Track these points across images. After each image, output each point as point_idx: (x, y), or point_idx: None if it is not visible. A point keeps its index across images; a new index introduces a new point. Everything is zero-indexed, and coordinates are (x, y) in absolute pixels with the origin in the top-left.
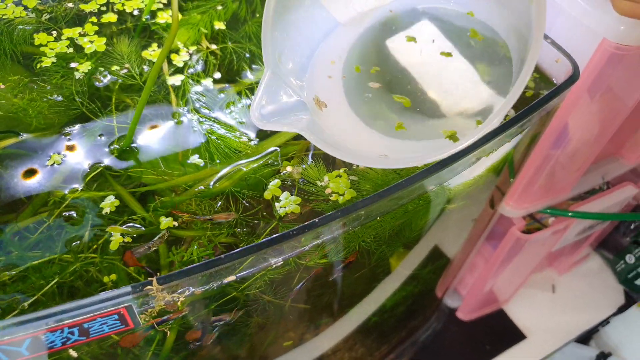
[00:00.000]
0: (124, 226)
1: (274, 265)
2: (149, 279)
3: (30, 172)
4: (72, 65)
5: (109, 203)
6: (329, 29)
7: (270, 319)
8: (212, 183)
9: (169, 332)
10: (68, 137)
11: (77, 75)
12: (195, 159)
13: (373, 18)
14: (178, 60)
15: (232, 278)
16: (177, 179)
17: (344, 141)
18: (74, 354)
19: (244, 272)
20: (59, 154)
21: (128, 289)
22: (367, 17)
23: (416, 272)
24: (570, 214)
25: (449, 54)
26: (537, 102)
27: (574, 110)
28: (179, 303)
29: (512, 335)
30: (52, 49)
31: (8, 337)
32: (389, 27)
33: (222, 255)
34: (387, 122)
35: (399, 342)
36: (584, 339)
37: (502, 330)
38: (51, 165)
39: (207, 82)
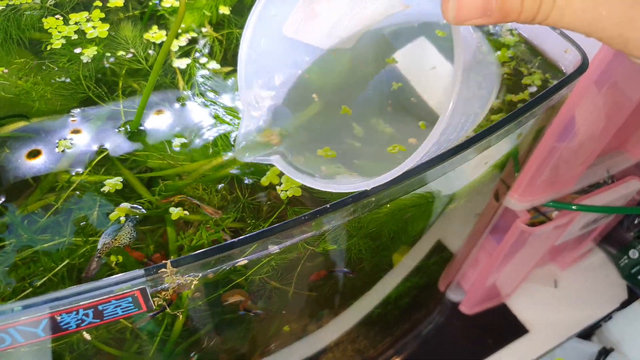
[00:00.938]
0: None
1: (280, 250)
2: (163, 261)
3: (37, 155)
4: (78, 50)
5: (112, 183)
6: (310, 54)
7: (274, 308)
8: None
9: (180, 316)
10: (74, 120)
11: (84, 59)
12: (197, 142)
13: (359, 41)
14: (183, 42)
15: (244, 262)
16: (183, 166)
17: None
18: (87, 336)
19: (254, 255)
20: (65, 139)
21: (141, 271)
22: (352, 41)
23: (419, 265)
24: (574, 207)
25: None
26: (546, 91)
27: (581, 102)
28: (192, 286)
29: (515, 329)
30: (60, 32)
31: (25, 318)
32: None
33: (236, 239)
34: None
35: (402, 335)
36: (586, 334)
37: (504, 324)
38: (59, 149)
39: (213, 66)
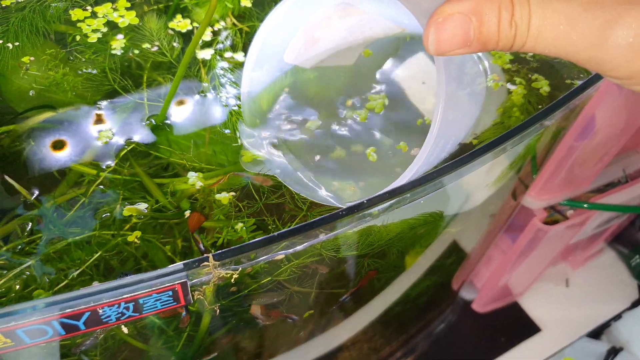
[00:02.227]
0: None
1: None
2: (205, 255)
3: (63, 147)
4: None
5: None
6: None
7: (295, 307)
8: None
9: (217, 311)
10: (100, 113)
11: (115, 51)
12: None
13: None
14: (208, 36)
15: (281, 256)
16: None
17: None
18: (125, 330)
19: (290, 250)
20: (100, 131)
21: (181, 265)
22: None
23: (434, 265)
24: (585, 205)
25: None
26: (574, 90)
27: (602, 102)
28: (232, 280)
29: (527, 328)
30: (89, 25)
31: (70, 310)
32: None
33: (276, 234)
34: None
35: (415, 334)
36: (596, 333)
37: (517, 322)
38: (87, 141)
39: (238, 58)
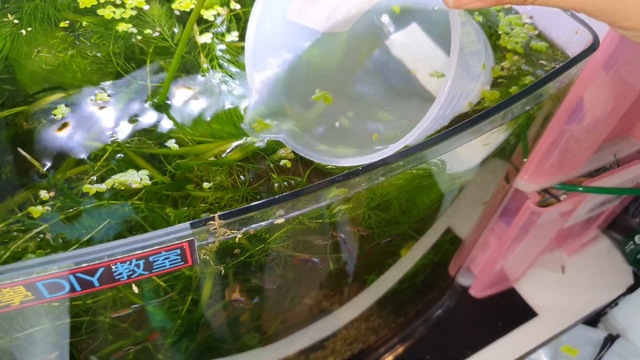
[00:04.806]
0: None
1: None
2: (211, 215)
3: (72, 126)
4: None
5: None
6: (310, 37)
7: (294, 284)
8: (225, 153)
9: (222, 271)
10: (105, 93)
11: (116, 36)
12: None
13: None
14: (208, 16)
15: (281, 220)
16: (195, 147)
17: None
18: (136, 289)
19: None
20: (95, 114)
21: (188, 224)
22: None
23: (432, 246)
24: (580, 188)
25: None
26: (558, 68)
27: (590, 84)
28: (236, 240)
29: (524, 312)
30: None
31: (85, 265)
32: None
33: (277, 197)
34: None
35: (413, 317)
36: (593, 321)
37: (514, 307)
38: (93, 120)
39: (234, 42)
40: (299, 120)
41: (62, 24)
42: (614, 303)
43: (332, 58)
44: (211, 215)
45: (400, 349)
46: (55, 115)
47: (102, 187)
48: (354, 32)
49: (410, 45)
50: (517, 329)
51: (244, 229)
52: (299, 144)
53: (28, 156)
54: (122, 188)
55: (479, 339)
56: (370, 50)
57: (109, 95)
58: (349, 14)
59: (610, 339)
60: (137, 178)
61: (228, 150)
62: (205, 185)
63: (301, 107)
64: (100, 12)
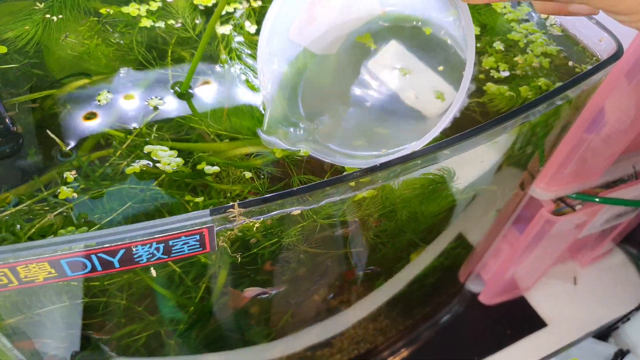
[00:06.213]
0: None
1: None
2: (231, 203)
3: (96, 111)
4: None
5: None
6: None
7: (305, 279)
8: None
9: (239, 259)
10: (129, 82)
11: (140, 28)
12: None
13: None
14: (231, 8)
15: (297, 212)
16: (218, 145)
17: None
18: (154, 272)
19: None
20: (119, 100)
21: (208, 211)
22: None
23: (442, 252)
24: (597, 199)
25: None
26: (582, 74)
27: (611, 94)
28: (254, 229)
29: (533, 322)
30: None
31: (108, 245)
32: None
33: (295, 189)
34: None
35: (422, 320)
36: (603, 335)
37: (523, 316)
38: (116, 106)
39: (253, 35)
40: (313, 130)
41: (91, 14)
42: (625, 318)
43: (326, 79)
44: (231, 203)
45: (406, 352)
46: (81, 100)
47: (136, 165)
48: (338, 54)
49: (390, 63)
50: (525, 338)
51: (262, 217)
52: (319, 152)
53: (56, 138)
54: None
55: (486, 346)
56: (353, 72)
57: (132, 83)
58: (336, 35)
59: (621, 354)
60: (166, 156)
61: (249, 155)
62: (208, 169)
63: (312, 117)
64: (125, 9)
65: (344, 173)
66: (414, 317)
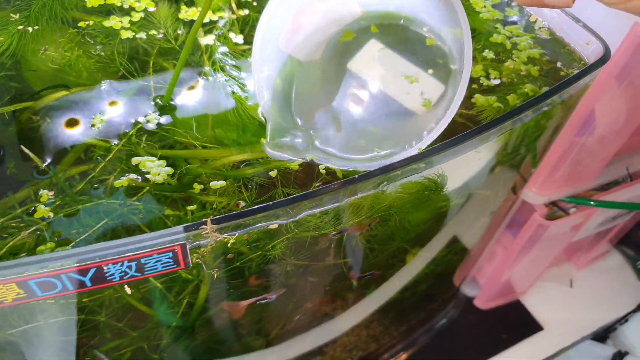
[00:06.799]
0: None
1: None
2: (204, 219)
3: (76, 125)
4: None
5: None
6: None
7: (295, 289)
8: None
9: (215, 275)
10: (109, 92)
11: (121, 39)
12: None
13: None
14: (213, 17)
15: (275, 226)
16: (201, 151)
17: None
18: (128, 290)
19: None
20: (100, 113)
21: (180, 228)
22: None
23: (435, 256)
24: (592, 202)
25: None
26: (568, 79)
27: (602, 96)
28: (229, 245)
29: (529, 325)
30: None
31: (78, 264)
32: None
33: (271, 202)
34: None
35: (416, 326)
36: (601, 337)
37: (519, 320)
38: (95, 121)
39: (237, 40)
40: (311, 137)
41: (69, 24)
42: (623, 319)
43: (315, 85)
44: (204, 219)
45: (402, 357)
46: (59, 113)
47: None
48: (323, 59)
49: (371, 61)
50: (521, 342)
51: (237, 232)
52: (321, 158)
53: (31, 153)
54: (133, 183)
55: (483, 351)
56: (338, 75)
57: (112, 95)
58: (318, 40)
59: (619, 356)
60: (155, 166)
61: (237, 165)
62: (213, 184)
63: (308, 124)
64: (106, 23)
65: (331, 184)
66: (409, 323)
